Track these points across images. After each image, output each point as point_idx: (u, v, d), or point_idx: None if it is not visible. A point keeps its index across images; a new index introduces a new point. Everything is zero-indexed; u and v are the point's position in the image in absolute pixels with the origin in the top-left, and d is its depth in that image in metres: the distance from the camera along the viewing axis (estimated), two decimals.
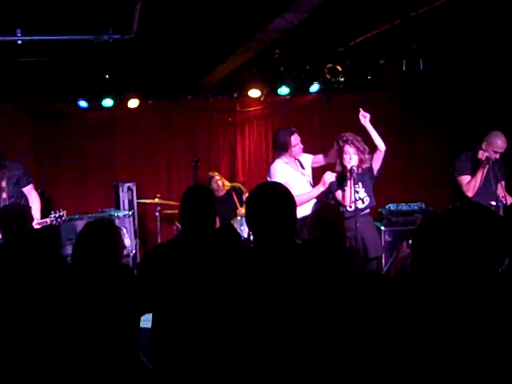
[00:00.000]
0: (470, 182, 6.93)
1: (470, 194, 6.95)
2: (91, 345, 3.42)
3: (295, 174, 6.84)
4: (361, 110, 6.84)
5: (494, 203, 6.55)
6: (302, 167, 7.01)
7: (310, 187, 6.87)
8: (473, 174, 6.92)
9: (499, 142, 6.80)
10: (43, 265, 3.48)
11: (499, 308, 2.46)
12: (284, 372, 2.66)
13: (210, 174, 8.80)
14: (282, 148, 6.82)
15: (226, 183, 8.70)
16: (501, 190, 6.85)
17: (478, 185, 6.85)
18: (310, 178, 7.02)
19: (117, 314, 3.50)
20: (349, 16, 6.36)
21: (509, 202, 6.56)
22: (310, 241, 4.59)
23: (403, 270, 4.31)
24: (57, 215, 6.94)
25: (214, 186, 8.56)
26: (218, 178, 8.66)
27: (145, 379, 3.68)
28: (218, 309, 2.80)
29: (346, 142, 6.81)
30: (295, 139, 6.84)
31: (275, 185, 3.10)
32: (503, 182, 6.96)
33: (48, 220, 6.91)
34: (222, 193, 8.58)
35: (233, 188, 8.68)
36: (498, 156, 6.83)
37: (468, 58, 8.42)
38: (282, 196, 2.89)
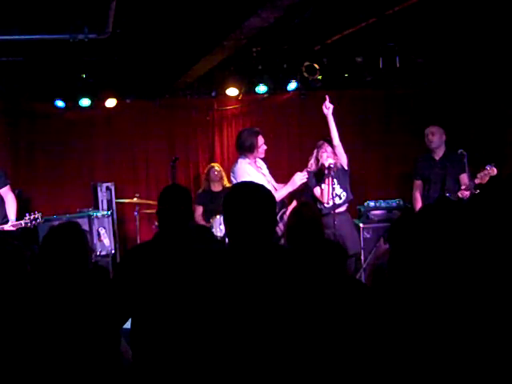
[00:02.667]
0: None
1: None
2: (65, 348, 3.38)
3: (258, 174, 6.84)
4: (327, 99, 6.97)
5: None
6: (261, 168, 7.04)
7: (272, 188, 6.89)
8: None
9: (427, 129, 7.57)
10: (9, 268, 3.42)
11: (476, 299, 2.49)
12: (259, 374, 2.65)
13: (212, 164, 8.90)
14: (248, 149, 6.78)
15: (226, 181, 8.68)
16: (464, 183, 7.12)
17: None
18: (270, 178, 7.01)
19: (91, 317, 3.44)
20: (325, 14, 6.38)
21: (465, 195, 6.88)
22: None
23: (381, 268, 4.32)
24: (32, 217, 6.89)
25: (212, 175, 8.67)
26: (217, 168, 8.73)
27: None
28: (195, 310, 2.78)
29: (322, 143, 7.00)
30: (261, 140, 6.86)
31: (254, 185, 3.03)
32: (464, 175, 7.22)
33: (22, 222, 6.87)
34: (217, 188, 8.63)
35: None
36: (429, 140, 7.47)
37: (444, 56, 8.47)
38: (261, 196, 2.86)
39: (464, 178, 7.20)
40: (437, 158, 7.50)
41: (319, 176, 7.10)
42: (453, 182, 7.25)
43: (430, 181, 7.48)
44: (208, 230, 6.67)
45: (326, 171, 6.87)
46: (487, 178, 6.77)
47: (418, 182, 7.68)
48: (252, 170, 6.75)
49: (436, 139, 7.46)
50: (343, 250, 4.22)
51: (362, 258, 8.32)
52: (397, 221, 3.71)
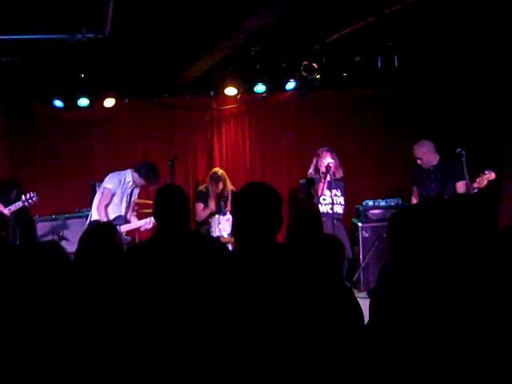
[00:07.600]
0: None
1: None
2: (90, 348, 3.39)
3: (120, 189, 7.70)
4: None
5: None
6: (131, 194, 7.77)
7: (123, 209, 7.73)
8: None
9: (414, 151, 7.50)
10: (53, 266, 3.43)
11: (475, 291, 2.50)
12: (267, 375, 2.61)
13: (214, 169, 8.99)
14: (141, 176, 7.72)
15: (228, 182, 8.77)
16: (461, 189, 7.06)
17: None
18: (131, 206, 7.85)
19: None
20: (324, 13, 6.39)
21: None
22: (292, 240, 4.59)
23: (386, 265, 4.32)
24: (27, 197, 7.40)
25: (214, 175, 8.74)
26: (219, 173, 8.80)
27: None
28: (197, 310, 2.76)
29: (321, 152, 7.10)
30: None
31: (263, 185, 3.01)
32: (460, 183, 7.18)
33: (20, 203, 7.41)
34: (218, 189, 8.68)
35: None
36: (418, 163, 7.45)
37: (443, 55, 8.48)
38: (270, 197, 2.83)
39: (459, 186, 7.16)
40: (431, 168, 7.47)
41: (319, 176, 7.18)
42: (451, 191, 7.14)
43: (428, 190, 7.41)
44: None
45: (325, 169, 6.94)
46: (486, 182, 6.71)
47: (415, 188, 7.72)
48: (119, 183, 7.67)
49: (425, 161, 7.42)
50: (341, 245, 4.26)
51: (361, 257, 8.34)
52: (395, 216, 3.74)
